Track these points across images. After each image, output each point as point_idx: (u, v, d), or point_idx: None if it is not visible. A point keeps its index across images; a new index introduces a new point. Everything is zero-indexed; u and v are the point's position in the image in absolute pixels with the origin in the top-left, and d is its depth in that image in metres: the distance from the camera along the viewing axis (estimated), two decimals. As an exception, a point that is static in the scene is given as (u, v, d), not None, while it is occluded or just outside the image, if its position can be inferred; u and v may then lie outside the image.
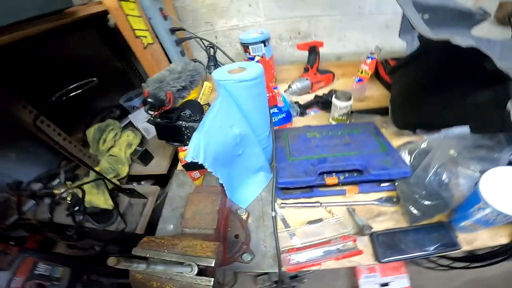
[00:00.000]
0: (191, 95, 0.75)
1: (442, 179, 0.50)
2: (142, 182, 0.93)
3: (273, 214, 0.52)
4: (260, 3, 1.00)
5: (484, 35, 0.86)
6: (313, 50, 0.91)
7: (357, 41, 1.08)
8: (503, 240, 0.47)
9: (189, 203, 0.51)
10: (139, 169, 0.90)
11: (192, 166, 0.62)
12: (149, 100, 0.48)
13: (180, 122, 0.56)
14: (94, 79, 0.56)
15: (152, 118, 0.57)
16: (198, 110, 0.62)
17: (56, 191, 0.83)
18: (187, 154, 0.44)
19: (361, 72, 0.89)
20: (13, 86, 0.69)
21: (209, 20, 1.05)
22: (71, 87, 0.52)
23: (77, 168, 0.94)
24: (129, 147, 0.88)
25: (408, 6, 0.54)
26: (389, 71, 0.86)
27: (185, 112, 0.58)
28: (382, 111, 0.78)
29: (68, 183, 0.87)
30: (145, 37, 0.74)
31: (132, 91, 1.13)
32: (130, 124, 1.01)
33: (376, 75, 0.97)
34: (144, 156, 0.89)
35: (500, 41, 0.74)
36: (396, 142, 0.66)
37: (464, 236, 0.48)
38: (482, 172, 0.44)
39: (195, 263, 0.36)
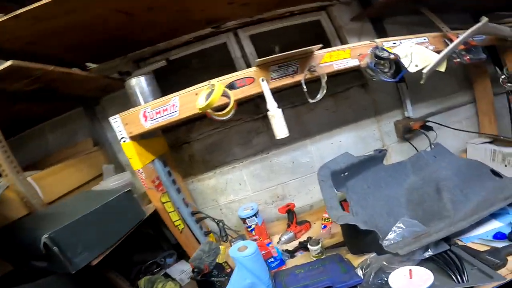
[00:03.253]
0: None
1: (382, 278, 0.83)
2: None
3: None
4: (246, 182, 1.54)
5: (399, 152, 1.41)
6: (290, 212, 1.37)
7: (318, 191, 1.47)
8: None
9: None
10: None
11: None
12: (195, 270, 0.92)
13: (212, 278, 0.98)
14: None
15: (193, 277, 0.96)
16: (221, 269, 1.05)
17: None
18: None
19: (324, 220, 1.31)
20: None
21: (214, 197, 1.56)
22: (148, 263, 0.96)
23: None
24: None
25: (326, 190, 1.03)
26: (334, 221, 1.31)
27: (214, 272, 0.99)
28: (344, 243, 1.14)
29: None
30: (179, 224, 1.18)
31: (164, 252, 1.46)
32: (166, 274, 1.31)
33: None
34: None
35: (408, 160, 1.25)
36: (357, 261, 0.99)
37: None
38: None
39: None
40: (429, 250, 0.86)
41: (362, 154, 1.25)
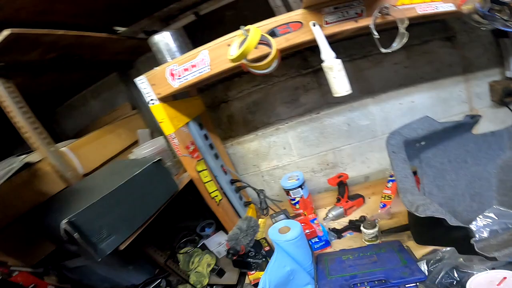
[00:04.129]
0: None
1: (454, 277, 0.68)
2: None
3: None
4: (292, 145, 1.37)
5: (492, 120, 1.09)
6: (341, 184, 1.19)
7: (378, 160, 1.34)
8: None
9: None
10: (215, 280, 1.16)
11: None
12: (230, 251, 0.84)
13: (248, 259, 0.90)
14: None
15: (229, 257, 0.89)
16: (259, 248, 0.95)
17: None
18: (260, 285, 0.72)
19: (384, 198, 1.11)
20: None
21: (255, 163, 1.44)
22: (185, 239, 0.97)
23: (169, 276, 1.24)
24: (209, 266, 1.18)
25: (398, 165, 0.81)
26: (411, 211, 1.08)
27: (251, 252, 0.90)
28: (408, 227, 0.95)
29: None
30: (217, 196, 1.10)
31: (203, 221, 1.49)
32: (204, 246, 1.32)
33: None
34: (219, 273, 1.16)
35: (506, 129, 0.97)
36: (420, 252, 0.85)
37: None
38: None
39: None
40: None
41: (440, 118, 0.96)
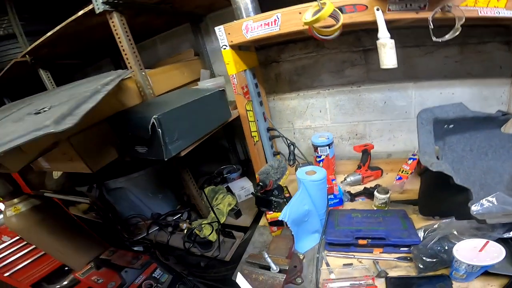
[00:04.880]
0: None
1: (443, 246, 0.80)
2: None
3: (318, 256, 0.91)
4: (328, 110, 1.50)
5: None
6: (365, 152, 1.32)
7: (405, 141, 1.44)
8: (492, 289, 0.72)
9: (273, 241, 0.94)
10: (231, 220, 1.39)
11: (275, 223, 1.07)
12: (260, 184, 1.00)
13: (272, 197, 1.05)
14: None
15: (255, 192, 1.05)
16: (281, 191, 1.11)
17: (181, 225, 1.36)
18: (280, 216, 0.88)
19: (402, 171, 1.23)
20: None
21: (290, 119, 1.60)
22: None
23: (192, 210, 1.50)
24: (229, 206, 1.39)
25: (423, 134, 0.93)
26: (418, 173, 1.20)
27: (274, 192, 1.06)
28: (416, 202, 1.10)
29: (186, 220, 1.41)
30: (255, 136, 1.29)
31: (229, 166, 1.73)
32: (228, 188, 1.56)
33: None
34: (237, 214, 1.38)
35: None
36: (420, 224, 0.97)
37: (459, 284, 0.75)
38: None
39: (278, 266, 0.76)
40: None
41: (478, 112, 1.05)
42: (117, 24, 1.05)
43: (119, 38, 1.08)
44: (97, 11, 1.00)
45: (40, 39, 1.23)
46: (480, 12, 0.81)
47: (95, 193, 1.44)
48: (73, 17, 1.06)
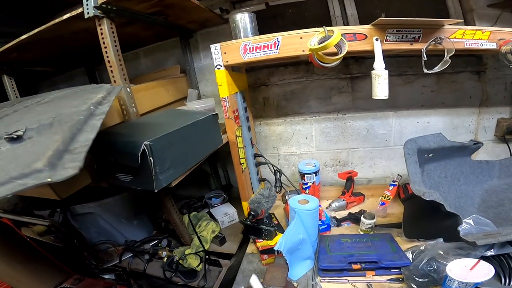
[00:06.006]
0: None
1: (432, 266, 0.84)
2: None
3: (313, 283, 0.91)
4: (313, 137, 1.55)
5: (489, 152, 1.31)
6: (350, 179, 1.38)
7: (384, 167, 1.53)
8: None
9: (268, 271, 0.90)
10: (215, 247, 1.33)
11: (267, 252, 1.05)
12: (252, 213, 0.99)
13: (262, 226, 1.04)
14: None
15: (245, 221, 1.04)
16: (270, 219, 1.12)
17: (160, 252, 1.28)
18: (276, 246, 0.87)
19: (384, 197, 1.29)
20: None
21: (276, 145, 1.62)
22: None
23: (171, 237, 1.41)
24: (213, 233, 1.34)
25: (411, 164, 1.00)
26: (401, 200, 1.27)
27: (265, 220, 1.06)
28: (398, 225, 1.15)
29: (166, 248, 1.32)
30: (243, 163, 1.27)
31: (211, 192, 1.68)
32: (210, 214, 1.50)
33: (398, 196, 1.36)
34: (222, 241, 1.33)
35: (498, 161, 1.18)
36: (406, 246, 1.01)
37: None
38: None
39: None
40: (493, 249, 0.84)
41: (449, 141, 1.16)
42: (105, 32, 0.98)
43: (105, 47, 1.00)
44: (86, 16, 0.94)
45: (11, 42, 1.13)
46: (466, 44, 0.90)
47: (58, 218, 1.30)
48: (57, 20, 0.99)
